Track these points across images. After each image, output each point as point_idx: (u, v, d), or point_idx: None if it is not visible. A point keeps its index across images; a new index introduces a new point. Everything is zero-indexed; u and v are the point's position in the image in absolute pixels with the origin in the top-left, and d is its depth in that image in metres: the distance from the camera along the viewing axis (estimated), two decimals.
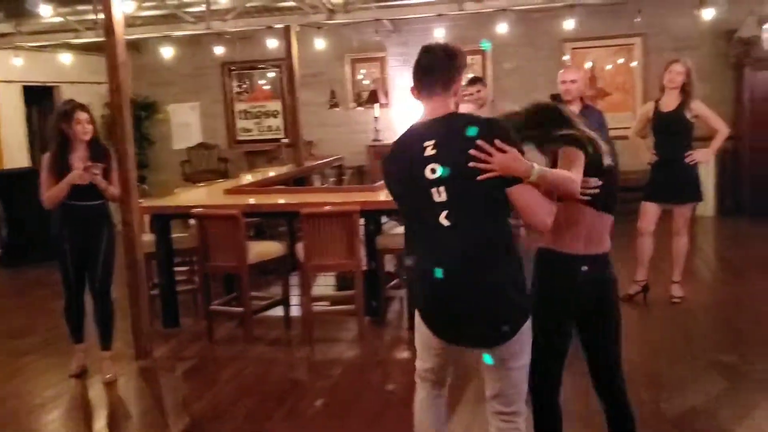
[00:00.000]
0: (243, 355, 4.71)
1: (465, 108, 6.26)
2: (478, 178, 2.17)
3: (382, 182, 5.56)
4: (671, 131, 5.15)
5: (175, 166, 10.84)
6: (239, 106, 11.01)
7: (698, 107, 5.11)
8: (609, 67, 9.39)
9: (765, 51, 8.13)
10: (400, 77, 10.08)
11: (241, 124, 11.08)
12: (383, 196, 5.24)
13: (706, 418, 3.49)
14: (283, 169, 7.72)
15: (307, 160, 8.32)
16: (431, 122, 2.37)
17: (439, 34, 8.76)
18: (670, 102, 5.17)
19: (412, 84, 2.47)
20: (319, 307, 5.08)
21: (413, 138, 2.38)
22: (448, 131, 2.31)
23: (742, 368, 4.06)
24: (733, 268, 6.49)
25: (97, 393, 4.24)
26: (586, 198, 2.38)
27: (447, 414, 2.75)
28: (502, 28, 8.47)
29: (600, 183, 2.40)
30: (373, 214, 5.06)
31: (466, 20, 9.03)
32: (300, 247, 4.93)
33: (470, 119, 2.38)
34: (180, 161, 10.87)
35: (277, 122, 10.96)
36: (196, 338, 5.12)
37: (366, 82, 10.34)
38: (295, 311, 5.29)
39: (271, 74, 10.82)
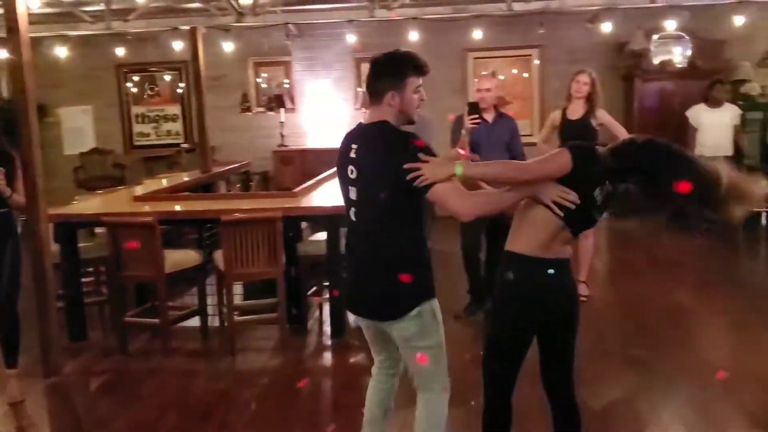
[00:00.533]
0: (161, 368, 4.53)
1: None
2: (413, 179, 2.39)
3: (302, 188, 5.60)
4: (578, 138, 5.37)
5: (67, 172, 10.28)
6: (136, 110, 10.61)
7: (603, 115, 5.40)
8: (507, 76, 9.74)
9: (653, 63, 8.69)
10: (307, 82, 10.04)
11: (138, 128, 10.67)
12: (304, 202, 5.23)
13: (626, 410, 3.70)
14: (183, 176, 7.48)
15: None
16: (364, 127, 2.62)
17: (351, 40, 8.77)
18: (576, 110, 5.43)
19: None
20: (242, 317, 4.96)
21: (348, 138, 2.64)
22: (369, 139, 2.56)
23: (652, 362, 4.31)
24: (629, 267, 6.87)
25: (3, 416, 3.95)
26: (560, 212, 2.43)
27: (391, 400, 2.87)
28: (409, 35, 8.58)
29: (578, 202, 2.42)
30: (292, 221, 5.01)
31: (373, 27, 9.09)
32: (219, 255, 4.81)
33: (389, 130, 2.57)
34: (73, 167, 10.33)
35: (177, 126, 10.64)
36: (107, 352, 4.88)
37: (265, 86, 10.21)
38: (212, 321, 5.14)
39: (169, 77, 10.49)
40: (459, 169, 2.39)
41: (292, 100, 10.10)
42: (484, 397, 2.64)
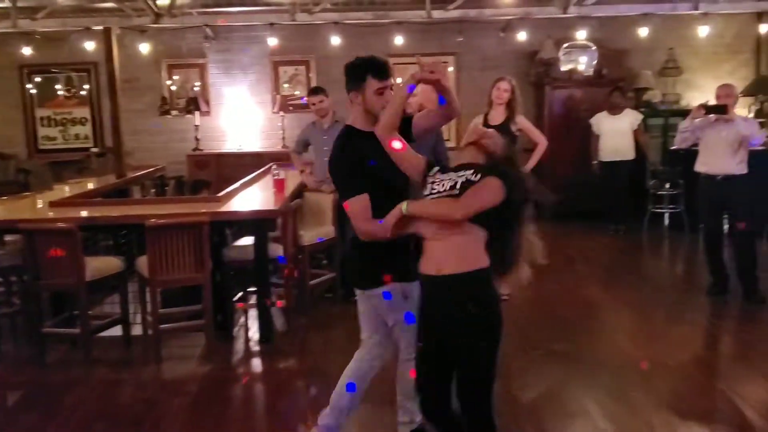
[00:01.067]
0: (83, 380, 4.37)
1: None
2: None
3: (226, 192, 5.53)
4: None
5: None
6: (41, 113, 10.15)
7: (522, 122, 5.60)
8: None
9: (561, 71, 9.07)
10: (223, 85, 9.90)
11: (43, 131, 10.21)
12: (228, 206, 5.17)
13: (552, 401, 3.85)
14: (96, 181, 7.23)
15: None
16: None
17: (270, 43, 8.70)
18: (497, 116, 5.61)
19: None
20: (167, 324, 4.84)
21: None
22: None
23: (573, 354, 4.52)
24: (546, 265, 7.11)
25: None
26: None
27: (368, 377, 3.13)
28: (331, 40, 8.62)
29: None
30: (218, 226, 4.94)
31: (292, 30, 9.08)
32: (143, 261, 4.69)
33: (339, 134, 2.97)
34: None
35: (86, 130, 10.25)
36: (22, 364, 4.68)
37: (174, 88, 9.98)
38: (134, 329, 5.00)
39: (77, 78, 10.09)
40: (404, 207, 2.57)
41: (207, 103, 9.93)
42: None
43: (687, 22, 9.32)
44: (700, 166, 5.71)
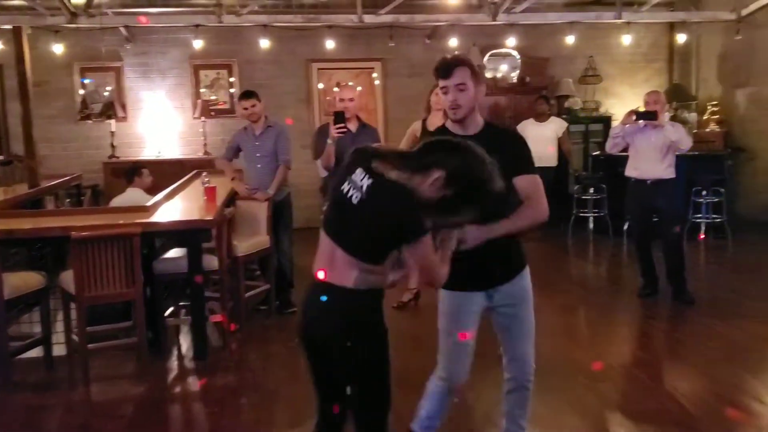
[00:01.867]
0: (5, 405, 4.02)
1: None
2: None
3: (154, 202, 5.24)
4: None
5: None
6: None
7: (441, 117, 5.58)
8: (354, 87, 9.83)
9: (486, 78, 9.17)
10: (140, 89, 9.49)
11: None
12: (157, 216, 4.89)
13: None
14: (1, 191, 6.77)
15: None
16: None
17: (191, 46, 8.39)
18: (436, 122, 5.54)
19: None
20: (95, 343, 4.52)
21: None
22: None
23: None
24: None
25: None
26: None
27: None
28: (258, 43, 8.39)
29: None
30: (148, 237, 4.66)
31: (215, 33, 8.80)
32: (68, 277, 4.37)
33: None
34: None
35: None
36: None
37: (82, 92, 9.49)
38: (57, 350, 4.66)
39: None
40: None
41: (124, 109, 9.50)
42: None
43: (605, 31, 9.62)
44: (631, 171, 5.84)
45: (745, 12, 8.25)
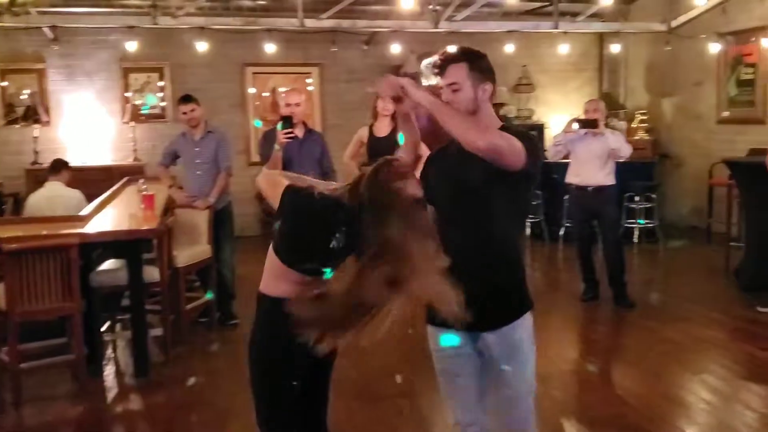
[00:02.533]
0: None
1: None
2: None
3: (89, 211, 4.98)
4: (385, 154, 5.46)
5: None
6: None
7: None
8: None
9: (425, 86, 9.18)
10: (64, 92, 9.05)
11: None
12: (94, 227, 4.64)
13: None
14: None
15: None
16: None
17: (131, 48, 8.05)
18: (382, 128, 5.51)
19: None
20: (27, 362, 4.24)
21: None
22: None
23: None
24: None
25: None
26: None
27: None
28: (196, 46, 8.14)
29: None
30: (84, 249, 4.41)
31: (147, 35, 8.48)
32: None
33: None
34: None
35: None
36: None
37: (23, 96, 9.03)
38: None
39: None
40: None
41: (47, 112, 9.05)
42: None
43: (537, 41, 9.80)
44: (572, 178, 5.94)
45: (675, 23, 8.55)
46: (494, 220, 2.27)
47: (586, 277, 5.99)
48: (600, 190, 5.76)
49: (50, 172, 6.05)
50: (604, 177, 5.77)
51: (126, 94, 9.22)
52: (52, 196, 5.77)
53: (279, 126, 4.78)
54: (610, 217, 5.85)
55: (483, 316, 2.16)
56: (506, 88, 9.88)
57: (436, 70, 2.41)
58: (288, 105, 5.07)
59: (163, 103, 9.33)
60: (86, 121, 9.09)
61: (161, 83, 9.33)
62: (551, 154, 6.02)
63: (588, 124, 5.68)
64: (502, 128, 2.30)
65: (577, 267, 6.07)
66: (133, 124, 9.08)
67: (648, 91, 10.11)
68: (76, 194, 5.88)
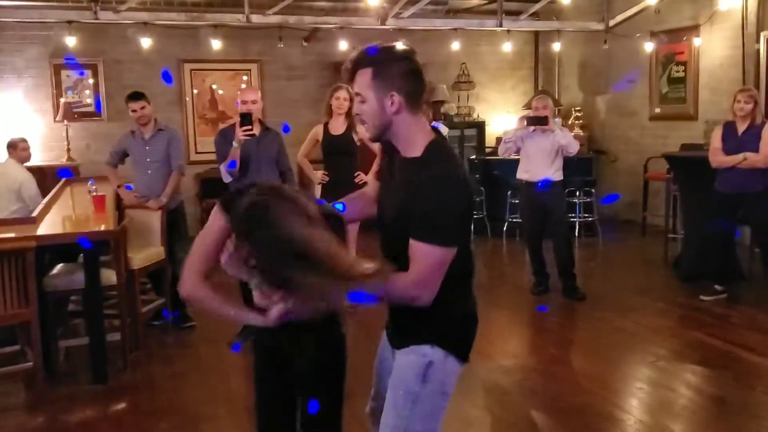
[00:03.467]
0: None
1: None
2: None
3: (38, 212, 4.77)
4: (340, 152, 5.48)
5: None
6: None
7: (362, 132, 5.52)
8: (227, 90, 9.50)
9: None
10: None
11: None
12: (45, 229, 4.45)
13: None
14: None
15: None
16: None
17: (70, 43, 7.70)
18: (337, 126, 5.49)
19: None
20: None
21: (461, 162, 2.17)
22: None
23: None
24: None
25: None
26: None
27: None
28: (124, 42, 7.90)
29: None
30: (39, 252, 4.22)
31: (80, 30, 8.17)
32: None
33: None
34: None
35: None
36: None
37: None
38: None
39: None
40: None
41: None
42: None
43: (476, 39, 9.96)
44: (522, 174, 6.07)
45: (612, 23, 8.85)
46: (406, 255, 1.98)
47: (537, 270, 6.14)
48: (548, 185, 5.92)
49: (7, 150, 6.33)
50: (553, 173, 5.93)
51: (60, 97, 8.86)
52: (5, 176, 5.97)
53: (240, 122, 4.72)
54: (559, 211, 6.01)
55: (391, 327, 2.23)
56: (445, 86, 10.01)
57: (347, 76, 2.06)
58: (245, 102, 4.99)
59: (90, 100, 9.01)
60: (16, 121, 8.68)
61: (92, 80, 9.01)
62: (501, 151, 6.14)
63: (538, 121, 5.82)
64: (432, 142, 2.01)
65: (528, 261, 6.22)
66: (65, 122, 8.73)
67: (582, 89, 10.44)
68: (22, 174, 6.03)
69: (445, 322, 2.07)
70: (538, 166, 5.92)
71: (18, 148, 6.26)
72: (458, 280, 2.05)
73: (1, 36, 8.47)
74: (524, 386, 4.18)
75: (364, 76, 1.99)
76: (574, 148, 5.89)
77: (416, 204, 1.92)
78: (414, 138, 2.02)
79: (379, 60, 1.99)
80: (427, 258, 1.92)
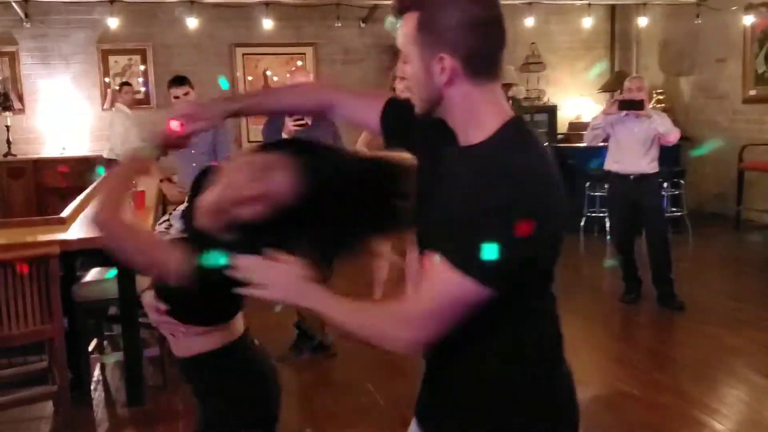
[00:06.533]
0: None
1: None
2: None
3: (70, 212, 4.29)
4: None
5: None
6: None
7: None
8: (281, 75, 8.97)
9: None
10: (39, 77, 8.30)
11: None
12: (77, 231, 3.96)
13: None
14: None
15: None
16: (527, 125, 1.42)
17: (112, 24, 7.31)
18: None
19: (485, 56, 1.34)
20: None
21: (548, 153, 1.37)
22: None
23: None
24: None
25: None
26: None
27: None
28: (174, 24, 7.45)
29: None
30: (67, 258, 3.73)
31: (127, 11, 7.76)
32: None
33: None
34: None
35: None
36: None
37: None
38: None
39: None
40: None
41: (21, 99, 8.29)
42: None
43: (546, 15, 9.17)
44: (611, 164, 5.35)
45: None
46: None
47: (628, 275, 5.40)
48: (642, 178, 5.18)
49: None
50: (647, 164, 5.19)
51: (106, 79, 8.50)
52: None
53: None
54: (655, 208, 5.27)
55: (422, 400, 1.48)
56: (513, 67, 9.27)
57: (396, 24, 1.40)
58: None
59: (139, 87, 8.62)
60: (63, 109, 8.36)
61: (143, 67, 8.61)
62: (588, 139, 5.42)
63: (632, 105, 5.08)
64: (508, 124, 1.33)
65: (618, 264, 5.47)
66: (114, 110, 8.35)
67: (663, 69, 9.54)
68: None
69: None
70: (631, 155, 5.19)
71: (122, 91, 7.75)
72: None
73: (49, 21, 8.13)
74: (620, 416, 3.49)
75: (409, 25, 1.33)
76: (674, 136, 5.15)
77: (460, 206, 1.26)
78: (478, 118, 1.34)
79: (431, 1, 1.31)
80: (442, 284, 1.24)
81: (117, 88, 8.03)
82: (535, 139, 1.36)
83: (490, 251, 1.18)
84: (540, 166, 1.30)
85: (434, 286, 1.26)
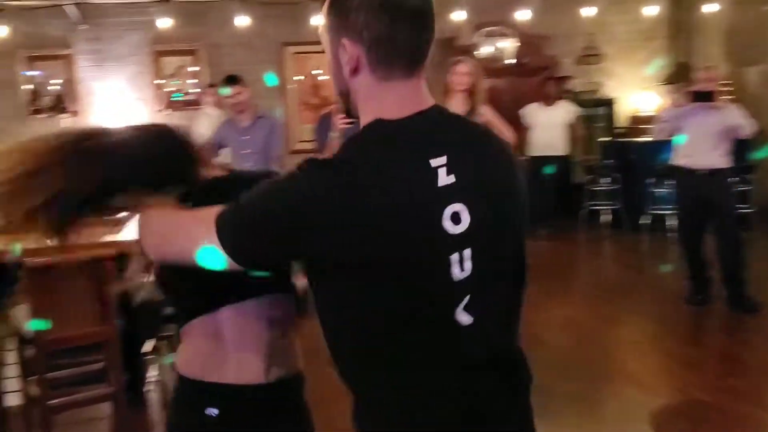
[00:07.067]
0: None
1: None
2: None
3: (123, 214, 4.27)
4: None
5: None
6: None
7: (487, 112, 4.73)
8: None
9: (482, 60, 8.33)
10: (95, 80, 8.40)
11: None
12: (132, 234, 3.92)
13: None
14: None
15: None
16: (435, 118, 1.24)
17: (163, 25, 7.34)
18: (457, 106, 4.69)
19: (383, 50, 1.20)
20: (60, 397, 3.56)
21: (406, 147, 1.19)
22: (466, 138, 1.27)
23: (585, 393, 3.70)
24: None
25: None
26: None
27: None
28: (234, 21, 7.44)
29: None
30: (123, 258, 3.70)
31: (178, 11, 7.78)
32: (19, 313, 3.41)
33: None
34: None
35: None
36: None
37: (29, 86, 8.33)
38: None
39: None
40: None
41: (76, 102, 8.41)
42: None
43: (604, 5, 8.87)
44: (680, 159, 5.10)
45: None
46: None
47: (695, 274, 5.14)
48: (714, 173, 4.92)
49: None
50: (719, 158, 4.93)
51: (160, 81, 8.56)
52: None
53: None
54: (727, 205, 5.00)
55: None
56: (569, 60, 9.02)
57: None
58: None
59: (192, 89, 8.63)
60: (118, 110, 8.44)
61: (195, 68, 8.63)
62: (656, 132, 5.19)
63: (702, 96, 4.82)
64: (372, 125, 1.22)
65: (684, 262, 5.21)
66: (169, 111, 8.43)
67: (728, 60, 9.13)
68: None
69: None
70: (701, 149, 4.93)
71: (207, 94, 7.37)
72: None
73: (104, 24, 8.22)
74: (699, 426, 3.28)
75: (323, 9, 1.23)
76: (749, 129, 4.87)
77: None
78: (366, 116, 1.22)
79: None
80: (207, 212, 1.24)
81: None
82: (377, 154, 1.16)
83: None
84: (316, 176, 1.15)
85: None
